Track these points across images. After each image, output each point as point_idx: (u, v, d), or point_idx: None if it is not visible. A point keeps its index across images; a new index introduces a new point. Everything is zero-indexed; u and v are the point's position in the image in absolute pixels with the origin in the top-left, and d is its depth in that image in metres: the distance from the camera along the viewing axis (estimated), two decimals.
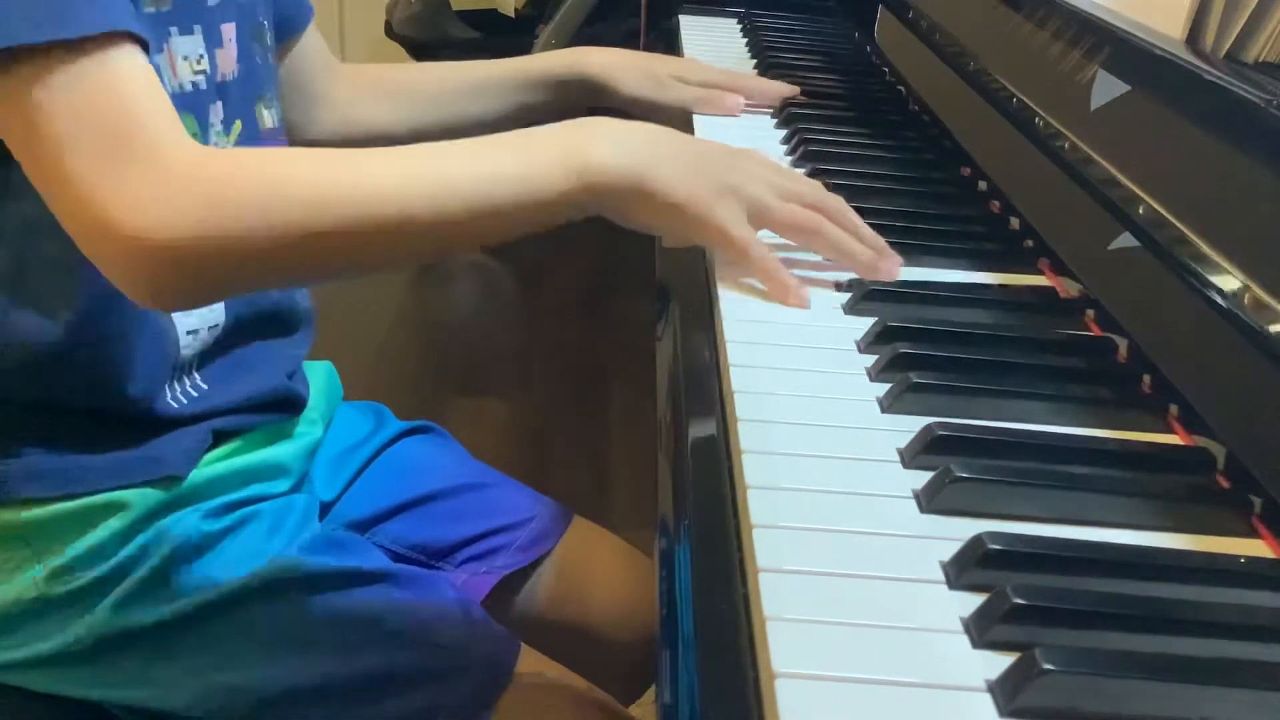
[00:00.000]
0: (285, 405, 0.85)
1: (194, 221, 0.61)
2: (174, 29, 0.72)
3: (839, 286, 0.74)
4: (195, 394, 0.78)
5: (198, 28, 0.74)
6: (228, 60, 0.78)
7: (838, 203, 0.75)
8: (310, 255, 0.65)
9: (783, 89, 1.12)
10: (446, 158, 0.67)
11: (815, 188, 0.75)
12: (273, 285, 0.75)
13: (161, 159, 0.62)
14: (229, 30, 0.78)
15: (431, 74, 1.04)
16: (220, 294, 0.71)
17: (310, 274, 0.73)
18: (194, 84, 0.74)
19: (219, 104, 0.78)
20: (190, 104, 0.74)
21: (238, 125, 0.80)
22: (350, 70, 1.02)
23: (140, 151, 0.62)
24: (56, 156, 0.61)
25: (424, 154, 0.68)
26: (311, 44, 0.98)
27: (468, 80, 1.02)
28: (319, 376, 0.94)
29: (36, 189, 0.64)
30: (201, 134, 0.76)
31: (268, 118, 0.84)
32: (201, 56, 0.75)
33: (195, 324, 0.77)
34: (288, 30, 0.93)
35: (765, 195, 0.71)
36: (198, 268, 0.63)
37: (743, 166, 0.72)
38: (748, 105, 1.09)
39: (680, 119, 1.05)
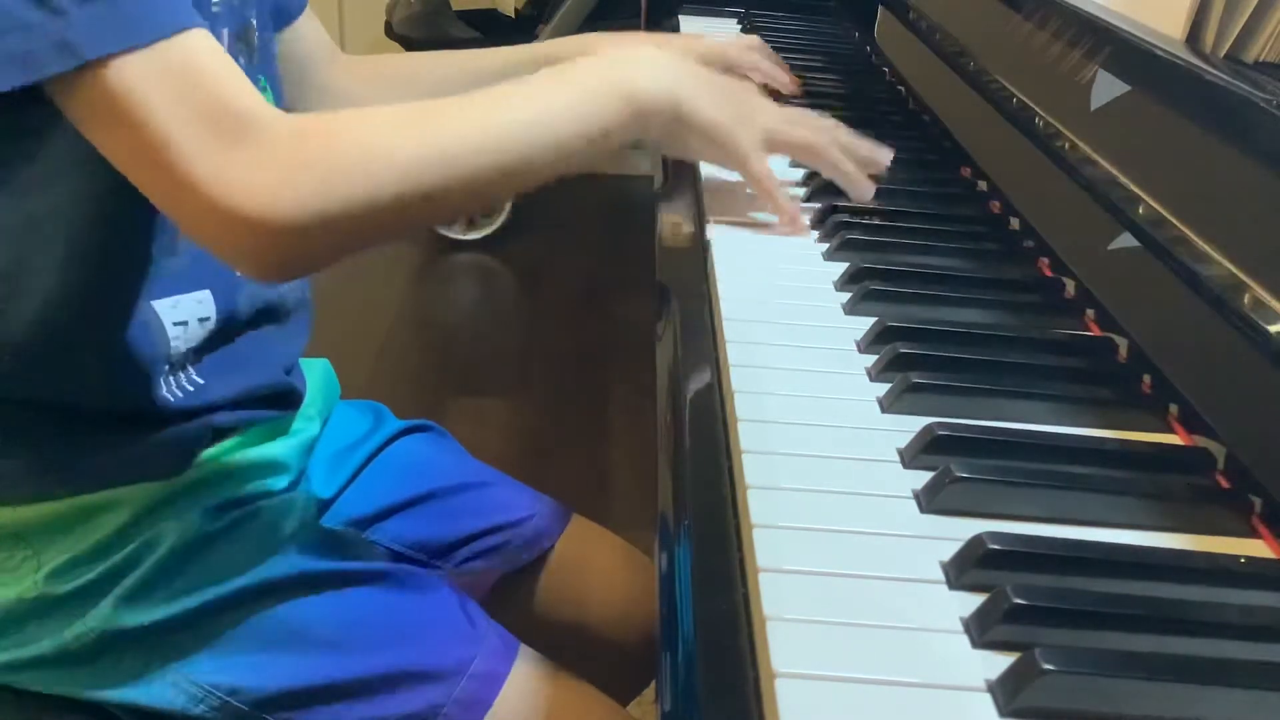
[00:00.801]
0: (282, 400, 0.85)
1: (308, 196, 0.63)
2: None
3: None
4: (191, 388, 0.78)
5: None
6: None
7: (831, 124, 0.87)
8: (412, 211, 0.68)
9: (783, 76, 1.14)
10: (515, 103, 0.72)
11: (812, 115, 0.88)
12: (379, 244, 0.75)
13: (264, 138, 0.64)
14: (225, 37, 0.78)
15: (437, 62, 1.03)
16: (331, 260, 0.73)
17: (411, 227, 0.78)
18: None
19: None
20: None
21: None
22: (355, 61, 1.02)
23: (242, 134, 0.63)
24: (161, 154, 0.62)
25: (501, 100, 0.72)
26: (310, 33, 0.97)
27: (475, 68, 1.02)
28: (316, 374, 0.94)
29: (144, 193, 0.65)
30: None
31: None
32: None
33: (183, 316, 0.76)
34: (283, 20, 0.93)
35: (778, 123, 0.83)
36: (315, 239, 0.65)
37: (755, 100, 0.84)
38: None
39: None
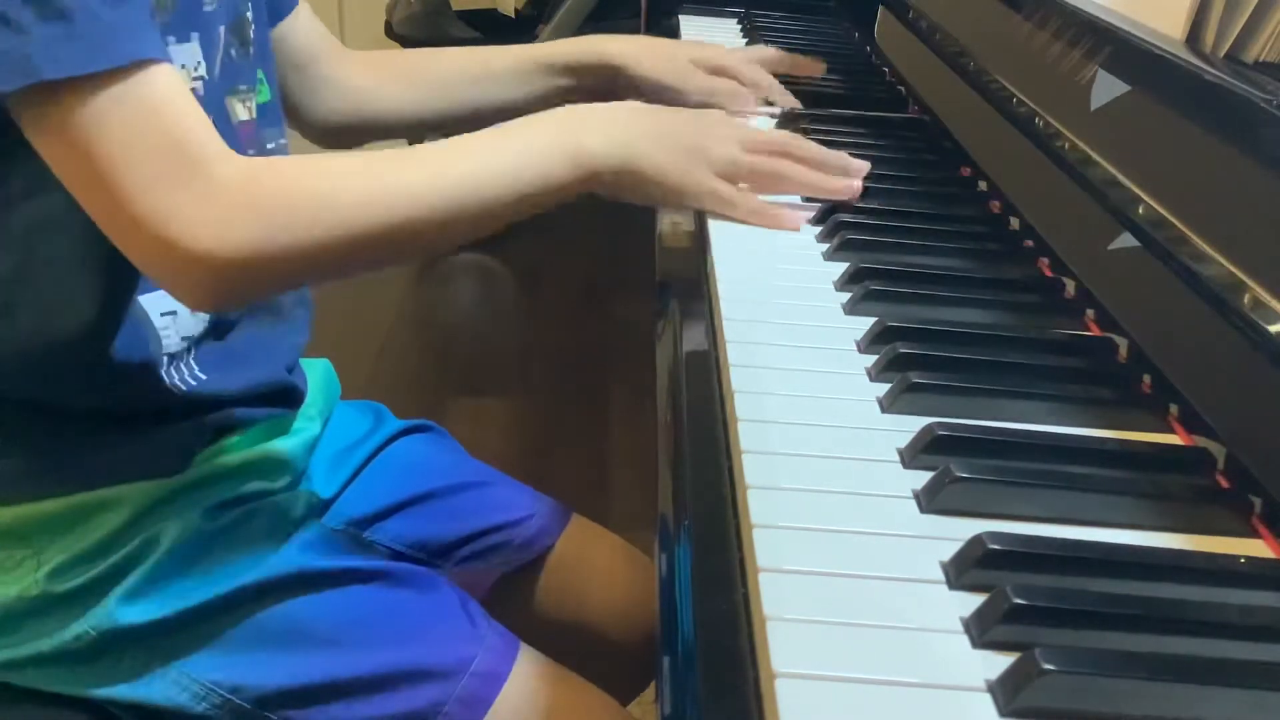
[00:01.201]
0: (284, 398, 0.85)
1: (251, 236, 0.65)
2: (172, 38, 0.73)
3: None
4: (194, 381, 0.78)
5: (195, 35, 0.75)
6: (217, 61, 0.78)
7: (797, 142, 0.85)
8: (354, 255, 0.70)
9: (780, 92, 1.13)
10: (464, 156, 0.73)
11: (774, 136, 0.86)
12: (320, 282, 0.79)
13: (212, 177, 0.65)
14: (223, 33, 0.78)
15: (446, 59, 1.03)
16: (274, 294, 0.78)
17: (353, 271, 0.78)
18: (193, 90, 0.74)
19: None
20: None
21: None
22: (362, 55, 1.02)
23: (191, 171, 0.64)
24: (110, 183, 0.63)
25: (443, 154, 0.73)
26: (305, 26, 0.97)
27: (484, 66, 1.02)
28: (317, 373, 0.94)
29: (90, 215, 0.66)
30: None
31: (241, 110, 0.84)
32: (199, 63, 0.75)
33: (171, 305, 0.76)
34: (277, 14, 0.93)
35: (733, 152, 0.81)
36: (255, 276, 0.68)
37: (711, 131, 0.82)
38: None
39: (700, 105, 1.05)
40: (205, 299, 0.70)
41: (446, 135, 0.77)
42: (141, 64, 0.63)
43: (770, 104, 1.10)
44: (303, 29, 0.97)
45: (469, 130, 0.76)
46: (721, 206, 0.81)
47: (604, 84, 1.02)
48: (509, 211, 0.74)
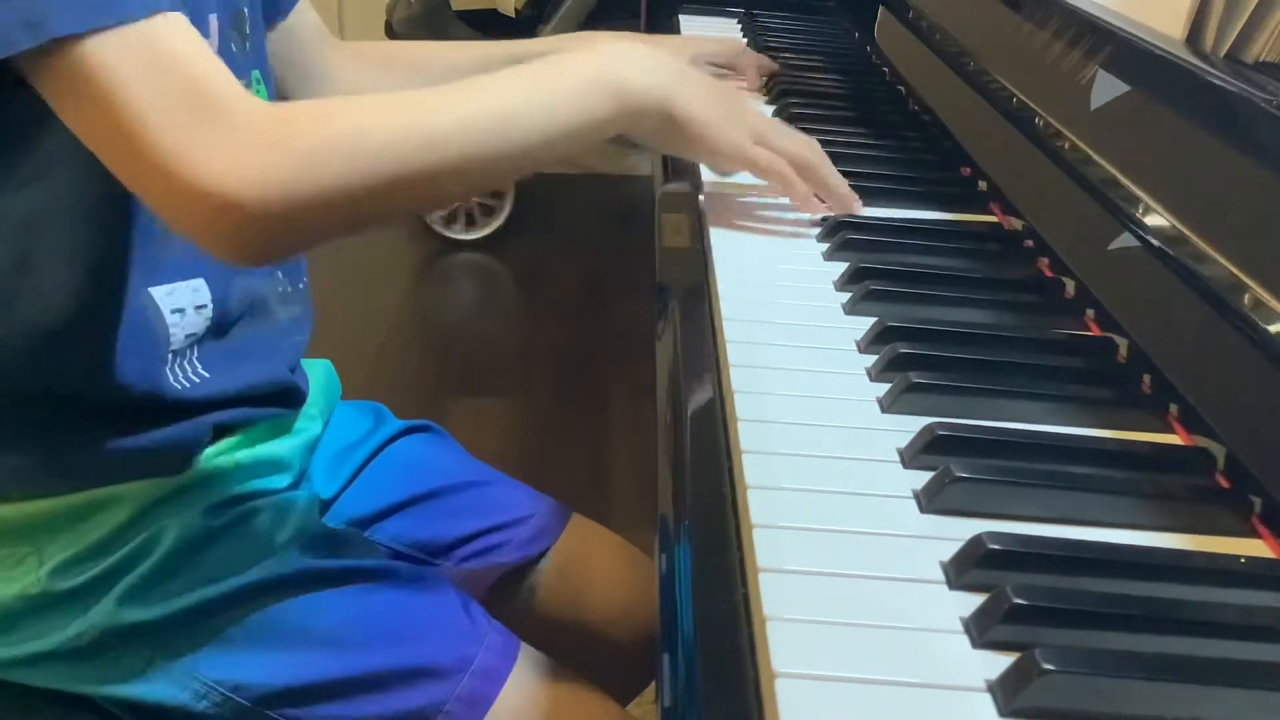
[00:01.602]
0: (286, 398, 0.85)
1: (285, 177, 0.63)
2: None
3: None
4: (197, 379, 0.78)
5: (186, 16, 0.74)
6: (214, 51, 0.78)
7: (814, 143, 0.86)
8: (391, 197, 0.68)
9: (763, 61, 1.17)
10: (500, 91, 0.72)
11: (804, 148, 0.85)
12: (354, 231, 0.75)
13: (240, 119, 0.63)
14: (214, 22, 0.78)
15: (439, 51, 1.03)
16: (307, 245, 0.73)
17: (391, 215, 0.75)
18: None
19: None
20: None
21: None
22: (356, 46, 1.02)
23: (217, 114, 0.62)
24: (135, 135, 0.61)
25: (478, 89, 0.72)
26: (306, 21, 0.97)
27: (476, 58, 1.02)
28: (318, 374, 0.94)
29: (114, 173, 0.64)
30: None
31: None
32: None
33: (180, 303, 0.76)
34: (276, 13, 0.93)
35: (766, 128, 0.83)
36: (289, 221, 0.64)
37: (745, 103, 0.85)
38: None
39: None
40: (240, 249, 0.66)
41: None
42: (154, 14, 0.62)
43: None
44: (304, 24, 0.97)
45: None
46: (759, 169, 0.82)
47: None
48: (549, 148, 0.72)
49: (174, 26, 0.64)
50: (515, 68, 0.74)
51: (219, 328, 0.80)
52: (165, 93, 0.62)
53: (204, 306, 0.78)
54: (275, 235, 0.66)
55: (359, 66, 1.00)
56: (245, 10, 0.83)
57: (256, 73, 0.85)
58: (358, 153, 0.65)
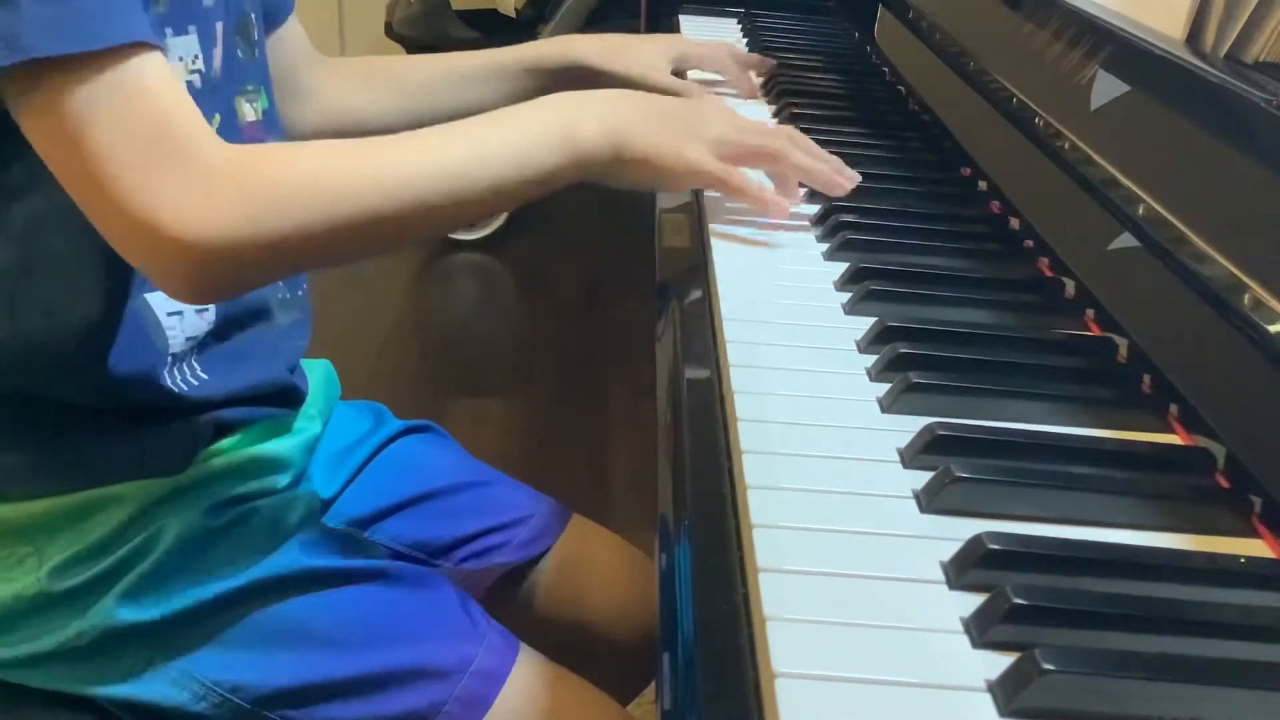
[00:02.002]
0: (285, 398, 0.86)
1: (240, 222, 0.64)
2: (169, 30, 0.72)
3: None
4: (195, 381, 0.78)
5: (193, 28, 0.75)
6: (218, 58, 0.78)
7: (790, 130, 0.85)
8: (344, 243, 0.69)
9: (752, 61, 1.16)
10: (456, 141, 0.72)
11: (766, 124, 0.84)
12: (308, 271, 0.79)
13: (201, 162, 0.64)
14: (220, 28, 0.78)
15: (420, 64, 1.04)
16: (261, 284, 0.76)
17: (343, 259, 0.76)
18: (189, 83, 0.74)
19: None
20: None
21: (216, 119, 0.80)
22: (336, 63, 1.02)
23: (180, 156, 0.63)
24: (97, 167, 0.62)
25: (434, 139, 0.72)
26: (292, 36, 0.97)
27: (457, 70, 1.03)
28: (317, 374, 0.94)
29: (75, 199, 0.64)
30: None
31: (248, 110, 0.84)
32: (196, 56, 0.75)
33: (178, 305, 0.76)
34: (272, 22, 0.93)
35: (726, 132, 0.80)
36: (243, 264, 0.66)
37: (702, 113, 0.81)
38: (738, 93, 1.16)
39: None
40: (192, 289, 0.67)
41: None
42: (133, 48, 0.63)
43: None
44: (293, 39, 0.97)
45: None
46: (711, 183, 0.80)
47: (572, 83, 1.00)
48: (502, 197, 0.73)
49: (151, 62, 0.64)
50: (472, 118, 0.74)
51: (220, 331, 0.80)
52: (131, 130, 0.62)
53: (206, 310, 0.78)
54: (225, 277, 0.67)
55: (341, 82, 1.01)
56: (251, 16, 0.84)
57: (261, 87, 0.85)
58: (312, 202, 0.66)
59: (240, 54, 0.83)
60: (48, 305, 0.73)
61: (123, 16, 0.63)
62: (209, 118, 0.77)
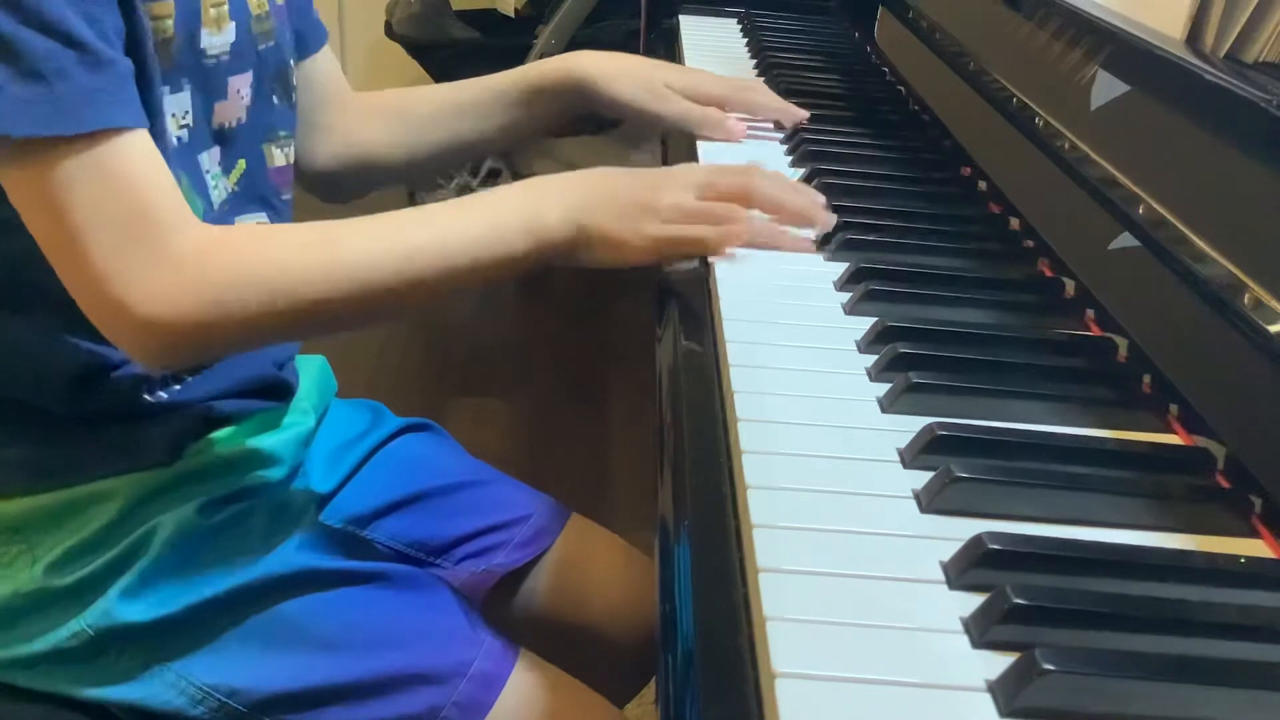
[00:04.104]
0: (273, 392, 0.86)
1: (202, 305, 0.67)
2: (166, 88, 0.73)
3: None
4: (179, 387, 0.79)
5: (188, 85, 0.75)
6: (229, 110, 0.79)
7: (760, 183, 0.79)
8: (303, 323, 0.72)
9: (789, 110, 1.06)
10: (418, 226, 0.73)
11: (738, 174, 0.79)
12: (266, 345, 0.81)
13: (169, 247, 0.67)
14: (239, 81, 0.79)
15: (427, 97, 1.03)
16: (221, 357, 0.79)
17: (302, 336, 0.81)
18: (179, 138, 0.75)
19: (215, 149, 0.79)
20: (179, 159, 0.75)
21: (241, 164, 0.82)
22: (357, 99, 1.02)
23: (149, 240, 0.66)
24: (72, 244, 0.65)
25: (398, 224, 0.73)
26: (326, 72, 0.97)
27: (462, 99, 1.01)
28: (312, 369, 0.94)
29: (52, 265, 0.67)
30: (196, 185, 0.78)
31: (278, 156, 0.85)
32: (187, 112, 0.76)
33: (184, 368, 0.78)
34: (302, 53, 0.93)
35: (679, 200, 0.76)
36: (203, 342, 0.70)
37: (662, 184, 0.77)
38: (751, 126, 1.05)
39: (678, 131, 1.02)
40: (153, 359, 0.71)
41: (439, 173, 0.77)
42: (113, 131, 0.65)
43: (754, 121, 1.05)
44: (324, 75, 0.97)
45: (460, 165, 0.76)
46: (672, 253, 0.77)
47: (578, 104, 1.00)
48: (463, 284, 0.74)
49: (129, 143, 0.66)
50: (438, 204, 0.75)
51: None
52: (107, 213, 0.65)
53: None
54: (187, 352, 0.71)
55: (356, 118, 1.00)
56: (291, 64, 0.84)
57: (287, 133, 0.85)
58: (274, 288, 0.69)
59: (276, 100, 0.84)
60: (36, 323, 0.74)
61: (107, 100, 0.65)
62: (229, 165, 0.81)
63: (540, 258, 0.75)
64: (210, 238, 0.70)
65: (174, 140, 0.75)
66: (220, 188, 0.80)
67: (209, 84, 0.77)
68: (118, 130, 0.65)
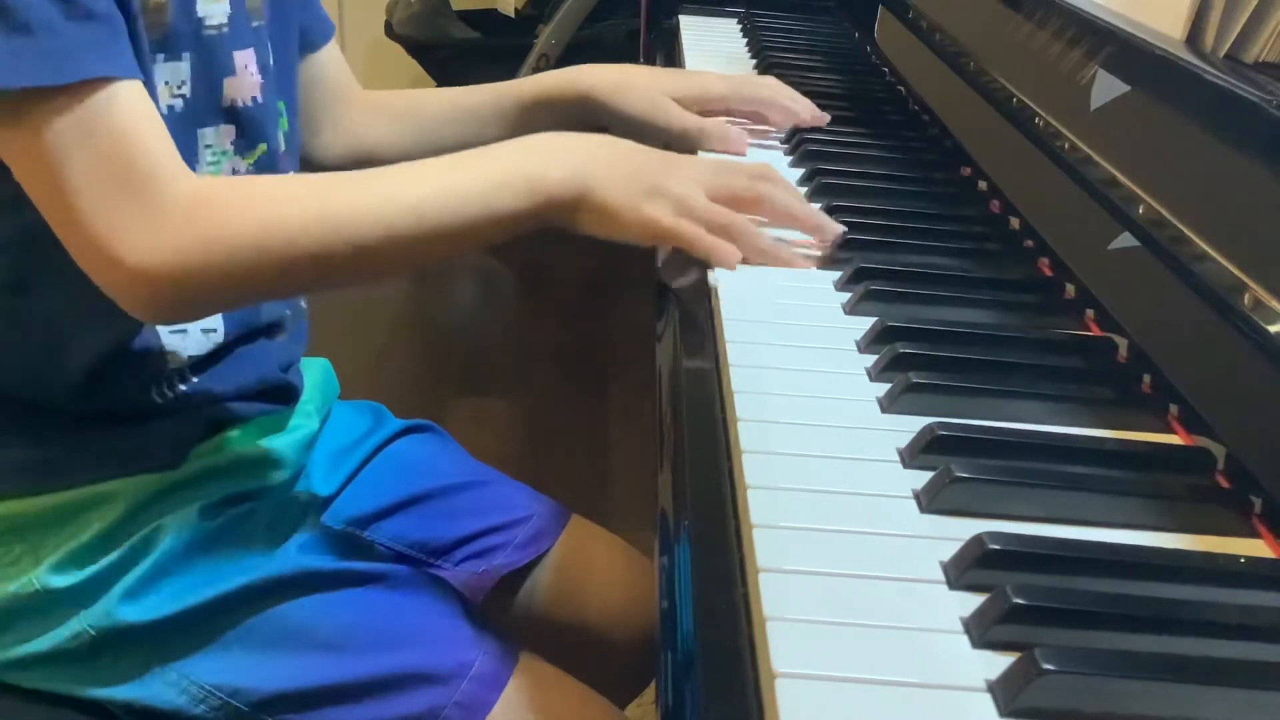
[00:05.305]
0: (278, 395, 0.86)
1: (194, 254, 0.67)
2: (161, 55, 0.73)
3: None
4: (185, 387, 0.79)
5: (188, 55, 0.75)
6: (241, 88, 0.79)
7: (771, 191, 0.78)
8: (296, 276, 0.71)
9: (795, 108, 1.05)
10: (415, 181, 0.72)
11: (752, 178, 0.79)
12: (260, 300, 0.80)
13: (161, 196, 0.66)
14: (245, 57, 0.78)
15: (434, 98, 1.03)
16: (216, 311, 0.78)
17: (296, 291, 0.80)
18: (170, 107, 0.75)
19: (227, 128, 0.79)
20: (171, 129, 0.74)
21: (262, 148, 0.81)
22: (365, 97, 1.02)
23: (140, 190, 0.66)
24: (63, 196, 0.65)
25: (394, 178, 0.72)
26: (329, 67, 0.97)
27: (466, 105, 1.01)
28: (315, 372, 0.94)
29: (45, 218, 0.67)
30: (189, 158, 0.76)
31: (282, 141, 0.85)
32: (184, 83, 0.76)
33: (183, 325, 0.77)
34: (307, 47, 0.93)
35: (690, 193, 0.75)
36: (196, 292, 0.69)
37: (674, 170, 0.76)
38: (752, 131, 1.04)
39: (681, 144, 1.01)
40: (146, 311, 0.70)
41: None
42: (101, 82, 0.65)
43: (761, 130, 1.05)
44: (330, 70, 0.98)
45: None
46: (665, 240, 0.76)
47: (582, 117, 0.99)
48: (460, 239, 0.72)
49: (120, 94, 0.66)
50: (438, 158, 0.74)
51: (225, 346, 0.80)
52: (96, 165, 0.65)
53: (213, 330, 0.79)
54: (184, 302, 0.70)
55: (364, 116, 1.00)
56: (269, 45, 0.84)
57: (281, 103, 0.85)
58: (268, 238, 0.68)
59: (289, 84, 0.84)
60: (45, 317, 0.74)
61: (95, 52, 0.64)
62: (249, 148, 0.80)
63: (539, 216, 0.73)
64: (201, 188, 0.69)
65: (163, 109, 0.74)
66: (228, 169, 0.79)
67: (213, 57, 0.76)
68: (106, 81, 0.65)
